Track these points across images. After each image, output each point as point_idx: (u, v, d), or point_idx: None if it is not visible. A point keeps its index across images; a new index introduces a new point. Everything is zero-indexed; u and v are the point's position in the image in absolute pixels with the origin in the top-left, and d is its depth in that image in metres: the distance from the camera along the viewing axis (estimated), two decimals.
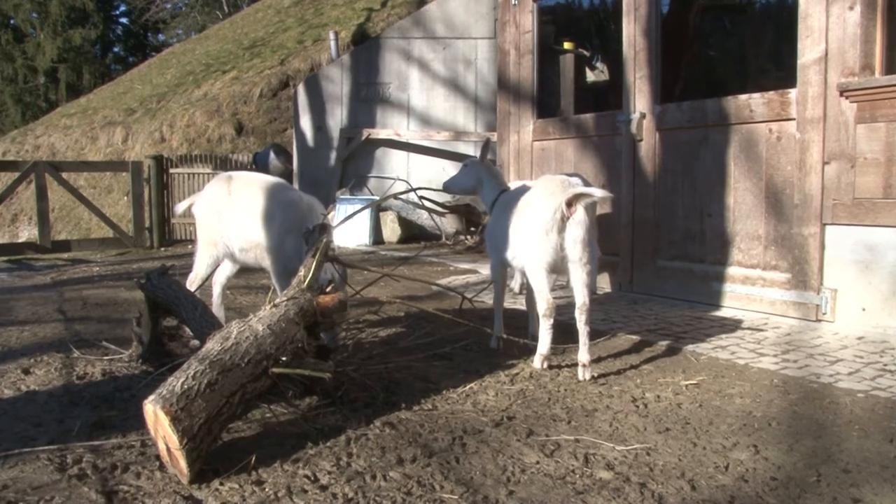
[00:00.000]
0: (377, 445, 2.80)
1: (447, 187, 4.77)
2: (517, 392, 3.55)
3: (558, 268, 3.81)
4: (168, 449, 2.42)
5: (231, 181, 4.57)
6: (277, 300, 2.99)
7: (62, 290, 6.95)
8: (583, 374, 3.81)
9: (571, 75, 8.50)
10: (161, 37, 46.26)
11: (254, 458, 2.58)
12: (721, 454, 2.79)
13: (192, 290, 4.50)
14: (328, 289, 3.17)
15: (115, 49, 46.36)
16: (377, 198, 11.80)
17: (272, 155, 13.10)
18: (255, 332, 2.75)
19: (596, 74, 9.00)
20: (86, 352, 4.20)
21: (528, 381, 3.73)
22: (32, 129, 24.74)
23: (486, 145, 4.64)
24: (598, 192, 3.68)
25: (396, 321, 5.14)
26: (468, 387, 3.61)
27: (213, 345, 2.67)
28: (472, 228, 10.72)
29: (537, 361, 4.00)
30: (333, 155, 12.52)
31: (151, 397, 2.42)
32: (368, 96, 12.48)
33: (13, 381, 3.67)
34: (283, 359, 2.76)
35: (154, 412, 2.40)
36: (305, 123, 12.68)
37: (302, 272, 3.15)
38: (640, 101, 6.39)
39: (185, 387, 2.42)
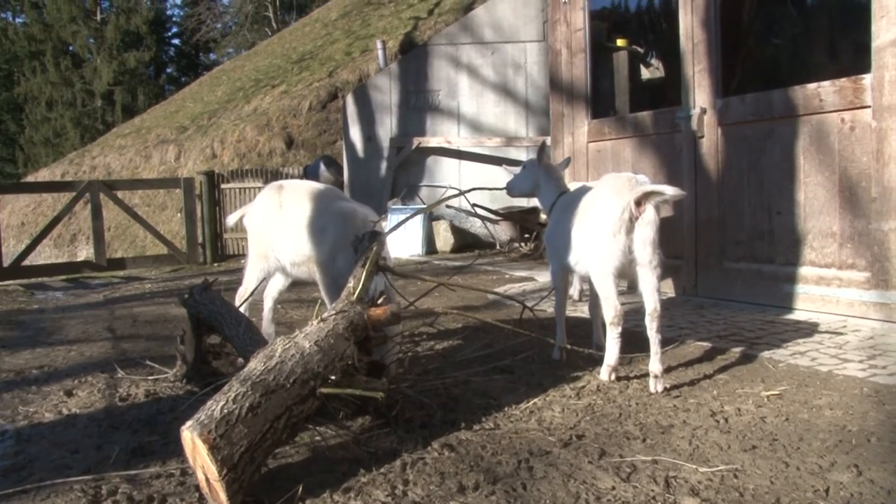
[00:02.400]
0: (436, 471, 2.57)
1: (509, 188, 4.60)
2: (585, 407, 3.28)
3: (626, 272, 3.55)
4: (207, 479, 2.23)
5: (282, 191, 4.39)
6: (325, 314, 2.78)
7: (113, 308, 6.88)
8: (654, 385, 3.52)
9: (626, 73, 8.22)
10: (213, 56, 47.12)
11: (301, 488, 2.37)
12: (818, 476, 2.50)
13: (241, 304, 4.34)
14: (380, 300, 2.96)
15: (169, 70, 47.37)
16: (431, 208, 11.61)
17: (322, 167, 13.02)
18: (301, 350, 2.55)
19: (651, 72, 8.70)
20: (131, 371, 4.06)
21: (595, 395, 3.47)
22: (89, 151, 25.25)
23: (542, 148, 4.42)
24: (669, 190, 3.41)
25: (453, 333, 4.91)
26: (532, 402, 3.35)
27: (255, 364, 2.47)
28: (527, 235, 10.47)
29: (605, 373, 3.73)
30: (384, 165, 12.38)
31: (189, 423, 2.23)
32: (418, 104, 12.32)
33: (55, 403, 3.54)
34: (332, 378, 2.54)
35: (192, 440, 2.21)
36: (355, 134, 12.57)
37: (351, 283, 2.94)
38: (700, 95, 6.10)
39: (225, 411, 2.22)
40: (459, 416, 3.12)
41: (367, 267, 2.94)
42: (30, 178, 27.13)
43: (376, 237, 3.16)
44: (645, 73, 8.71)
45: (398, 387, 3.11)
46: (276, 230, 4.28)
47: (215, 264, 12.45)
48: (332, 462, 2.65)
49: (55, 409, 3.45)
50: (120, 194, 12.41)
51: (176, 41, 47.78)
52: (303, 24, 27.92)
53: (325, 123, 16.60)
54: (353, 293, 2.87)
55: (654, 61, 8.70)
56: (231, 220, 4.74)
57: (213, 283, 3.63)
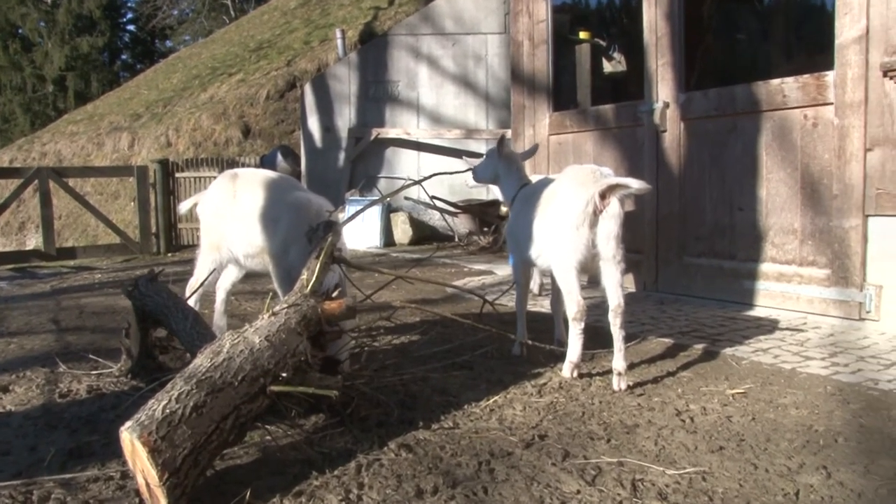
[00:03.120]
0: (392, 473, 2.43)
1: (473, 174, 4.48)
2: (547, 405, 3.17)
3: (588, 266, 3.45)
4: (147, 484, 2.07)
5: (235, 179, 4.21)
6: (277, 308, 2.63)
7: (60, 299, 6.64)
8: (618, 383, 3.43)
9: (588, 66, 8.14)
10: (169, 43, 46.22)
11: (249, 493, 2.23)
12: (787, 478, 2.42)
13: (190, 296, 4.17)
14: (334, 293, 2.82)
15: (123, 56, 46.34)
16: (386, 198, 11.49)
17: (279, 157, 12.79)
18: (250, 345, 2.40)
19: (613, 65, 8.64)
20: (73, 366, 3.86)
21: (557, 393, 3.36)
22: (39, 137, 24.59)
23: (502, 140, 4.30)
24: (635, 184, 3.29)
25: (410, 327, 4.78)
26: (492, 400, 3.23)
27: (201, 360, 2.32)
28: (486, 229, 10.37)
29: (567, 370, 3.63)
30: (342, 155, 12.20)
31: (128, 424, 2.07)
32: (377, 95, 12.17)
33: None
34: (283, 375, 2.40)
35: (131, 442, 2.05)
36: (313, 124, 12.36)
37: (304, 275, 2.79)
38: (663, 89, 6.04)
39: (168, 411, 2.07)
40: (417, 415, 2.99)
41: (321, 258, 2.80)
42: None
43: (331, 228, 3.02)
44: (607, 67, 8.66)
45: (353, 383, 2.97)
46: (229, 220, 4.11)
47: (169, 254, 12.16)
48: (283, 464, 2.50)
49: None
50: (71, 182, 12.07)
51: (131, 27, 46.74)
52: (261, 13, 27.47)
53: (283, 113, 16.32)
54: (307, 286, 2.73)
55: (616, 55, 8.65)
56: (183, 207, 4.57)
57: (161, 274, 3.45)
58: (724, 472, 2.47)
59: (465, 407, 3.14)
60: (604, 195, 3.32)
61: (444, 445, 2.68)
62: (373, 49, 12.39)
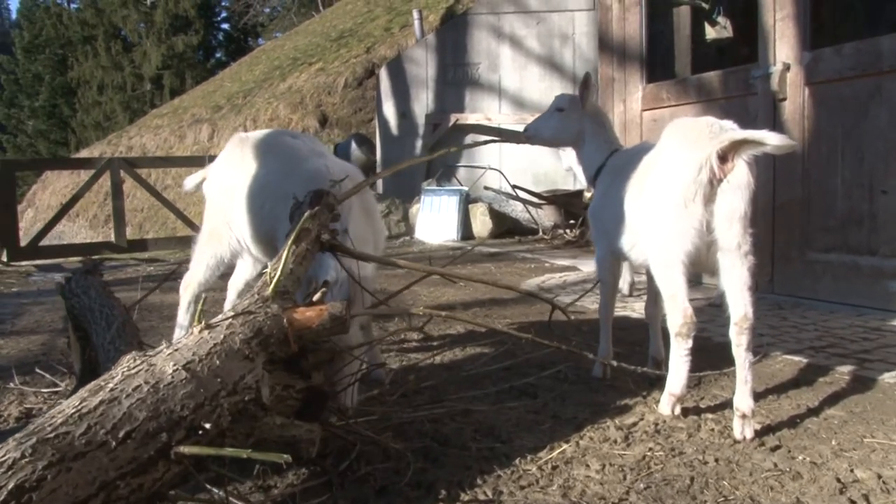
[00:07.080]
0: None
1: (530, 135, 3.35)
2: (637, 463, 2.14)
3: (702, 259, 2.40)
4: None
5: (245, 144, 3.24)
6: (217, 318, 1.74)
7: None
8: (742, 428, 2.35)
9: (688, 31, 7.06)
10: (261, 40, 46.79)
11: None
12: None
13: (186, 300, 3.34)
14: (316, 296, 1.89)
15: (217, 54, 47.23)
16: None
17: (354, 145, 12.19)
18: (155, 379, 1.50)
19: (717, 31, 7.50)
20: (34, 379, 3.06)
21: (652, 441, 2.32)
22: (127, 132, 24.97)
23: (587, 82, 3.21)
24: (772, 139, 2.21)
25: (468, 337, 3.81)
26: (557, 451, 2.21)
27: (66, 405, 1.44)
28: (572, 221, 9.41)
29: (666, 405, 2.59)
30: (419, 143, 11.46)
31: None
32: (456, 78, 11.39)
33: None
34: (206, 426, 1.50)
35: None
36: (389, 110, 11.66)
37: (269, 269, 1.87)
38: (783, 48, 5.01)
39: None
40: (442, 475, 2.01)
41: (289, 242, 1.88)
42: None
43: (320, 200, 2.07)
44: (710, 33, 7.53)
45: (350, 423, 2.03)
46: (236, 197, 3.14)
47: None
48: None
49: None
50: (153, 174, 11.65)
51: (225, 26, 47.57)
52: (344, 3, 27.12)
53: (361, 101, 15.70)
54: (269, 284, 1.81)
55: (720, 18, 7.50)
56: (189, 183, 3.61)
57: (102, 265, 2.61)
58: None
59: (517, 461, 2.14)
60: (724, 156, 2.26)
61: None
62: (452, 30, 11.61)
